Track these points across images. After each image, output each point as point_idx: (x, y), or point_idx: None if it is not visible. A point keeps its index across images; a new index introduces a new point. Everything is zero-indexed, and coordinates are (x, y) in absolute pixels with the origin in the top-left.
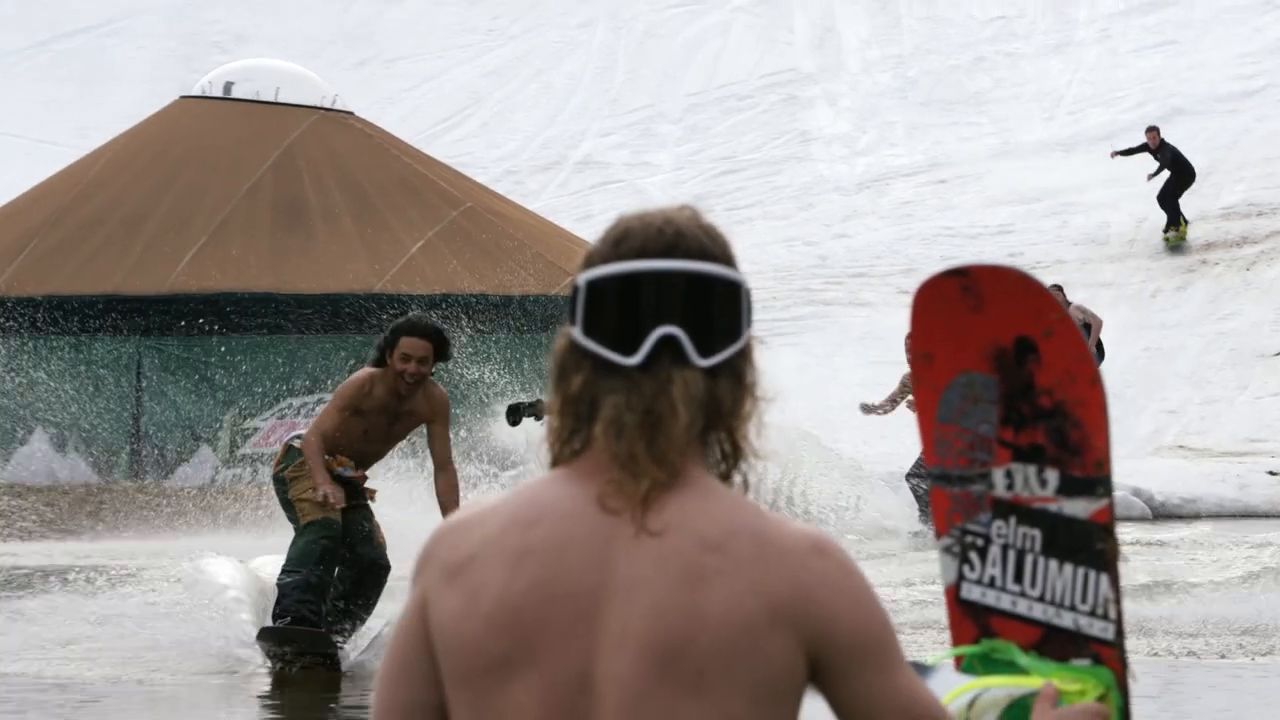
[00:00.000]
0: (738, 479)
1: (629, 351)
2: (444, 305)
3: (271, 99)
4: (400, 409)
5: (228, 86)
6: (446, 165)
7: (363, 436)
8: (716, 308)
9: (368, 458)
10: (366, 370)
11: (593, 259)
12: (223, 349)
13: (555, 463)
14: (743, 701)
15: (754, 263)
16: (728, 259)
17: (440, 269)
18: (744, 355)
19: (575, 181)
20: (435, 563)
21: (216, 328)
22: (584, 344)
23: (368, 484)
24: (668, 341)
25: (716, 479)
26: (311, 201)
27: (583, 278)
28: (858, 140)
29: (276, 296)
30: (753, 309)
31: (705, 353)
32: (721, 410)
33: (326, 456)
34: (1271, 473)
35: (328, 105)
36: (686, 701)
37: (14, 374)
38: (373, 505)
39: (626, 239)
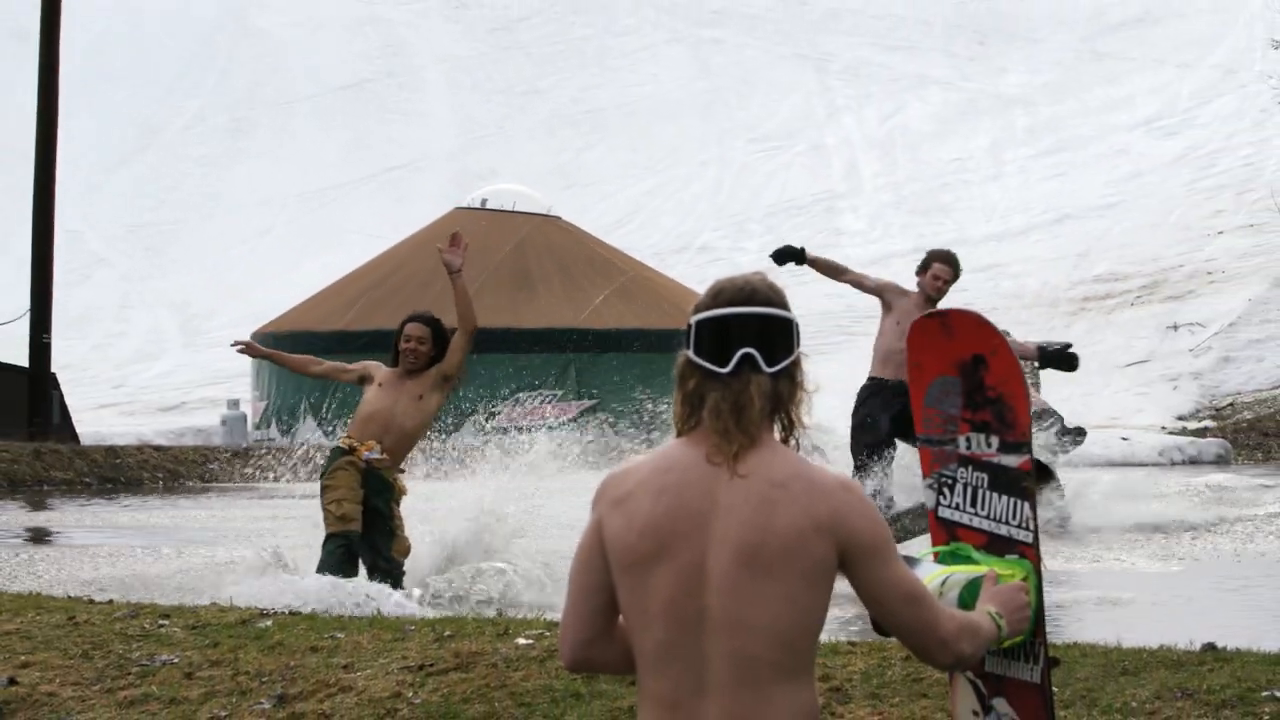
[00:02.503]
0: (793, 442)
1: (723, 365)
2: (616, 335)
3: (511, 209)
4: (411, 380)
5: (483, 201)
6: (618, 249)
7: (391, 409)
8: (777, 335)
9: (399, 433)
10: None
11: (700, 306)
12: (478, 361)
13: (680, 434)
14: (797, 583)
15: (807, 309)
16: (784, 305)
17: (613, 312)
18: (796, 364)
19: (697, 259)
20: (606, 497)
21: (475, 349)
22: (695, 360)
23: (401, 478)
24: (747, 357)
25: (780, 442)
26: (534, 271)
27: (694, 319)
28: (869, 234)
29: (513, 329)
30: (801, 336)
31: (771, 364)
32: (782, 399)
33: (355, 443)
34: (1124, 438)
35: (544, 212)
36: (763, 582)
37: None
38: (402, 506)
39: (721, 294)
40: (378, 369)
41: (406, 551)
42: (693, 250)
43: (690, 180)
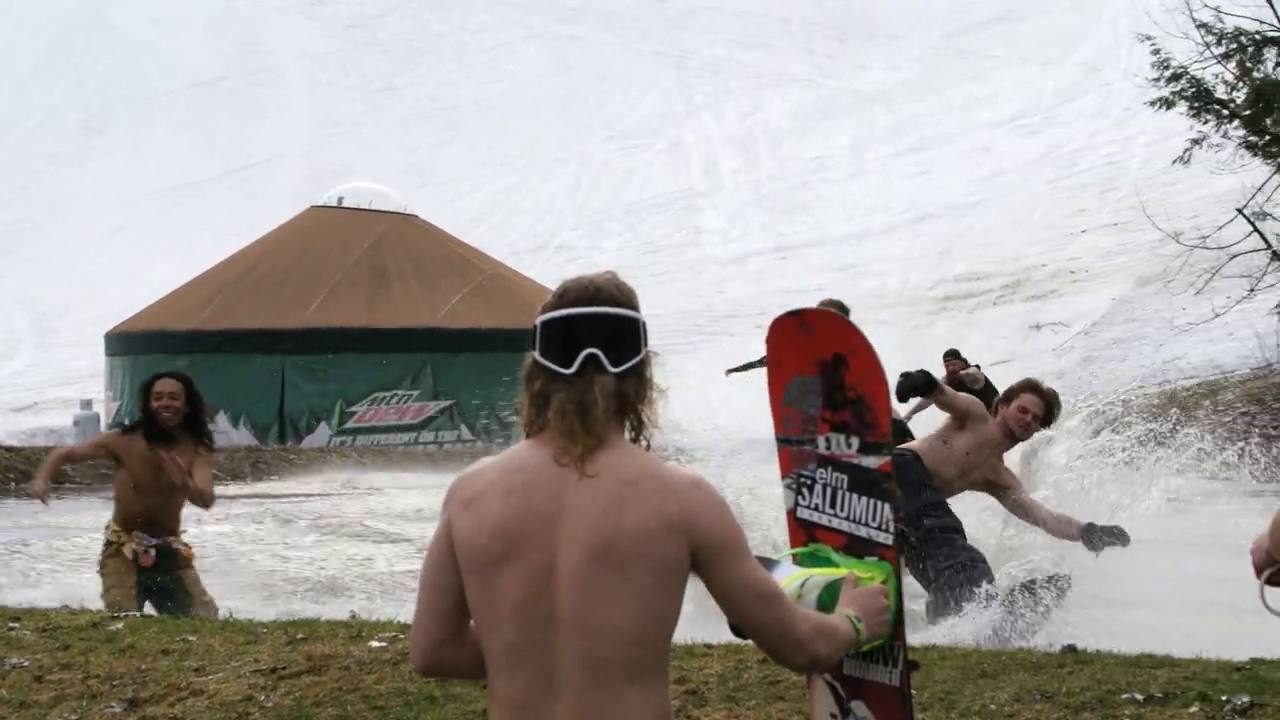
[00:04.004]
0: (643, 442)
1: (567, 365)
2: (472, 335)
3: (367, 207)
4: (160, 455)
5: (340, 199)
6: (475, 248)
7: (134, 492)
8: (624, 335)
9: (154, 516)
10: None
11: (546, 307)
12: (334, 361)
13: (528, 435)
14: (649, 582)
15: (666, 308)
16: (631, 304)
17: (470, 312)
18: (644, 364)
19: (555, 259)
20: (455, 498)
21: (331, 349)
22: (541, 361)
23: (182, 540)
24: (591, 357)
25: (630, 442)
26: (391, 270)
27: (539, 319)
28: (729, 232)
29: (368, 329)
30: (648, 335)
31: (616, 364)
32: (629, 399)
33: (122, 537)
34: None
35: (401, 210)
36: (614, 580)
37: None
38: (193, 568)
39: (566, 294)
40: (124, 445)
41: (211, 605)
42: (550, 249)
43: (548, 178)
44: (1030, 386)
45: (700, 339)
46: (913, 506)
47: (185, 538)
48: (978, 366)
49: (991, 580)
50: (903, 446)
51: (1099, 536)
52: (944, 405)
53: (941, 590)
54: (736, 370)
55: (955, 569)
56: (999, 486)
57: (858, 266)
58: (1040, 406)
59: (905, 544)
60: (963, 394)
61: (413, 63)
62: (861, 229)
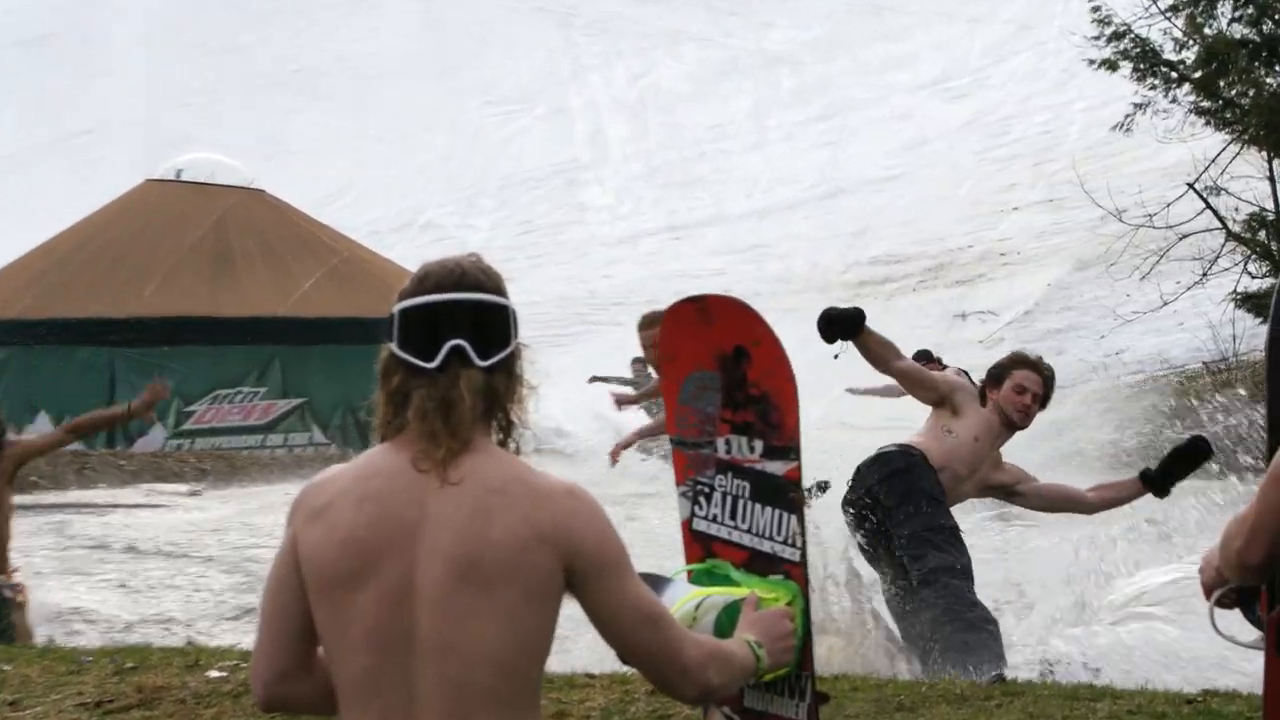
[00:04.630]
0: (512, 445)
1: (429, 358)
2: (327, 325)
3: (209, 180)
4: None
5: (179, 172)
6: (331, 228)
7: None
8: (492, 324)
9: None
10: None
11: (404, 293)
12: (170, 354)
13: (383, 438)
14: (517, 599)
15: (543, 294)
16: (500, 290)
17: (325, 298)
18: (514, 357)
19: (420, 238)
20: (301, 510)
21: (167, 340)
22: (399, 354)
23: (12, 581)
24: (456, 349)
25: (497, 445)
26: (236, 252)
27: (397, 307)
28: (617, 209)
29: (210, 318)
30: (519, 325)
31: (484, 357)
32: (498, 397)
33: None
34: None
35: (247, 185)
36: (479, 598)
37: (21, 373)
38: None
39: (427, 278)
40: None
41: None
42: (416, 228)
43: (414, 148)
44: (1022, 360)
45: (583, 329)
46: (918, 527)
47: (16, 574)
48: (964, 372)
49: (1002, 655)
50: (901, 443)
51: (1178, 462)
52: (896, 369)
53: (950, 652)
54: (601, 380)
55: (965, 628)
56: (1006, 486)
57: (761, 247)
58: (1039, 383)
59: (894, 573)
60: (934, 372)
61: (262, 19)
62: (765, 205)
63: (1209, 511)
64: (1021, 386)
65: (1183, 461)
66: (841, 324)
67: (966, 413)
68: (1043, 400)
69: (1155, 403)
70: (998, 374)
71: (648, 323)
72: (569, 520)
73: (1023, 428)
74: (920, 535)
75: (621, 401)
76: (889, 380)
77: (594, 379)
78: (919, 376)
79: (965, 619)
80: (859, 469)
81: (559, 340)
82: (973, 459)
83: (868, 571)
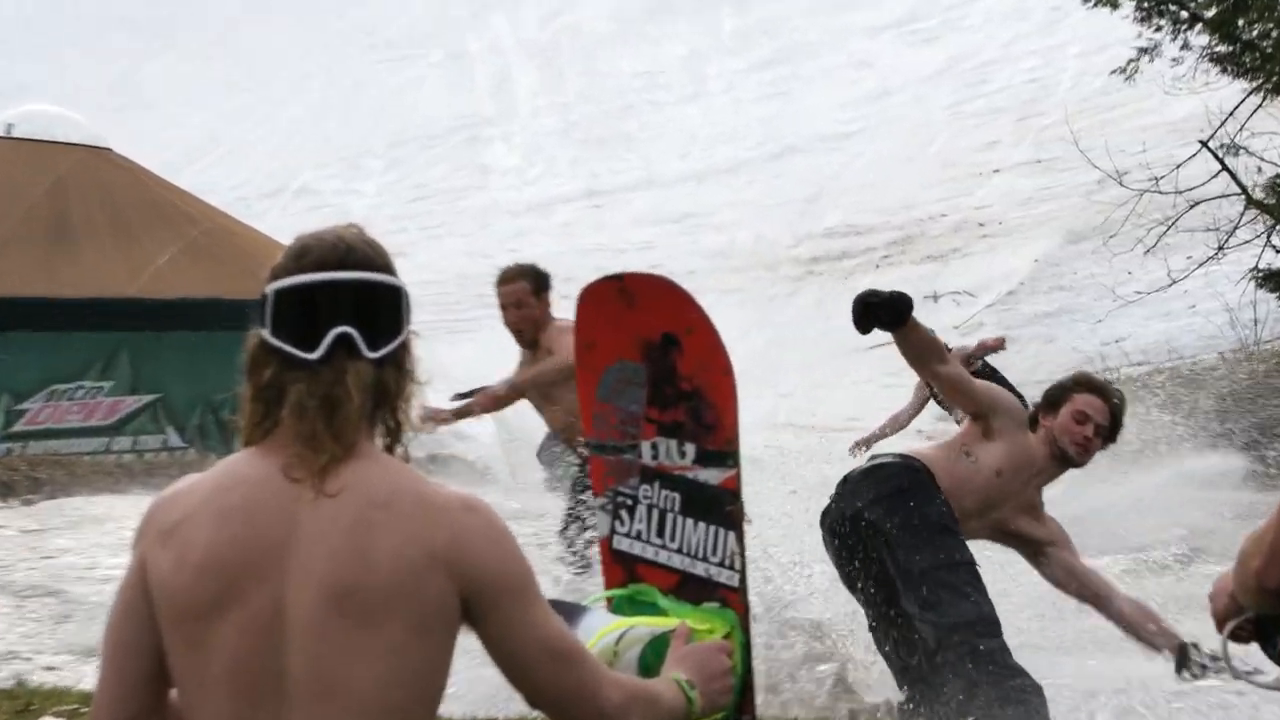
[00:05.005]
0: (399, 450)
1: (310, 348)
2: (185, 308)
3: (46, 137)
4: None
5: (9, 127)
6: (189, 193)
7: None
8: (381, 309)
9: None
10: None
11: (278, 271)
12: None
13: (248, 442)
14: (405, 634)
15: (441, 272)
16: (389, 268)
17: (182, 277)
18: (405, 348)
19: (294, 205)
20: (150, 528)
21: None
22: (273, 343)
23: None
24: (342, 338)
25: (383, 451)
26: (77, 221)
27: (270, 288)
28: (527, 172)
29: (45, 300)
30: (411, 309)
31: (374, 347)
32: (387, 394)
33: None
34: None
35: (92, 143)
36: (359, 632)
37: None
38: None
39: (306, 253)
40: None
41: None
42: (290, 194)
43: (287, 100)
44: (1086, 382)
45: (486, 313)
46: (927, 564)
47: None
48: (1012, 389)
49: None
50: (904, 452)
51: (1197, 661)
52: (941, 381)
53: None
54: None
55: (1003, 699)
56: (1032, 540)
57: (696, 217)
58: (1104, 412)
59: (891, 623)
60: (981, 380)
61: None
62: (702, 167)
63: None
64: (1082, 414)
65: (1216, 664)
66: (887, 309)
67: (999, 439)
68: (1107, 434)
69: (1162, 399)
70: (1055, 396)
71: (505, 278)
72: (466, 538)
73: (1079, 465)
74: (931, 576)
75: (436, 419)
76: (895, 411)
77: (458, 397)
78: (963, 385)
79: (1003, 689)
80: (847, 481)
81: (459, 326)
82: (986, 495)
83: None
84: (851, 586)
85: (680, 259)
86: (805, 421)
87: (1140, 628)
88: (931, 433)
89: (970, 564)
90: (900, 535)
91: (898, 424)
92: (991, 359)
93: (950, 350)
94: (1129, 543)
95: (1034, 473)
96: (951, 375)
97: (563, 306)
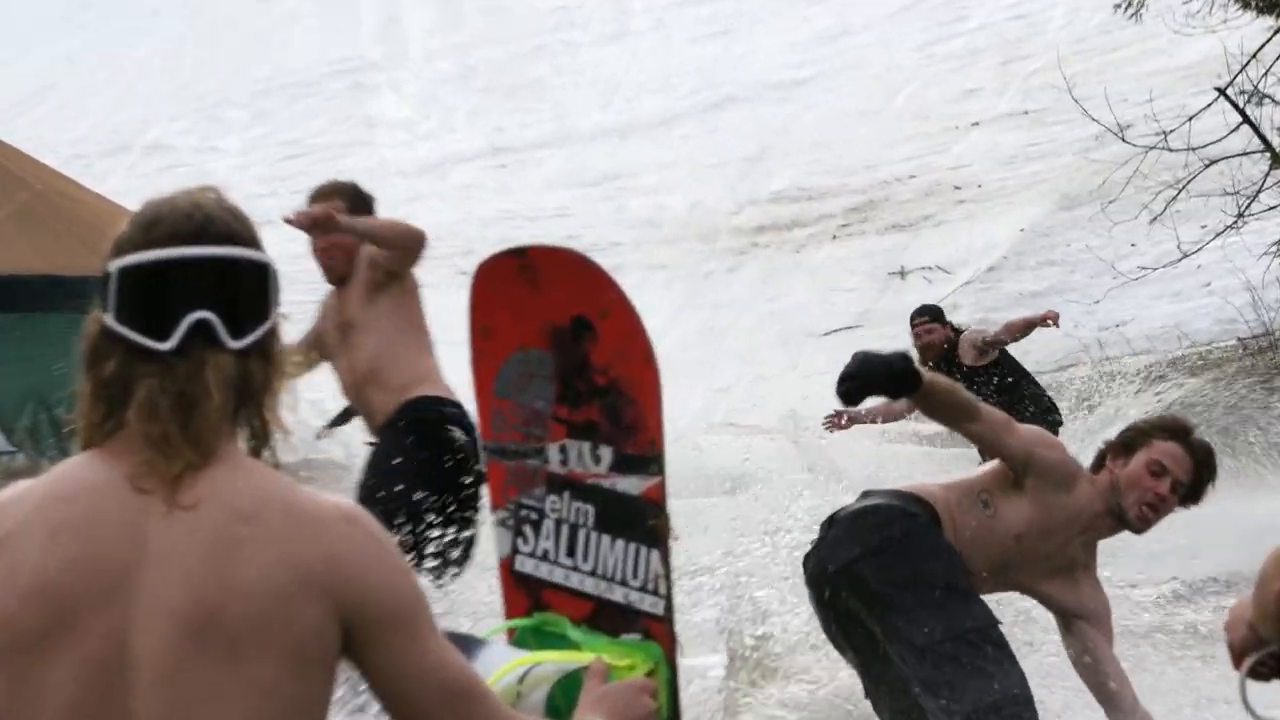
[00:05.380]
0: (266, 454)
1: (162, 336)
2: (9, 285)
3: None
4: None
5: None
6: (18, 150)
7: None
8: (245, 290)
9: None
10: None
11: (123, 245)
12: None
13: (87, 445)
14: (276, 670)
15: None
16: (254, 241)
17: (8, 249)
18: (273, 334)
19: (144, 165)
20: None
21: None
22: (117, 330)
23: None
24: (199, 325)
25: (247, 454)
26: None
27: (114, 264)
28: (420, 126)
29: None
30: (280, 289)
31: (237, 334)
32: (252, 389)
33: None
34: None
35: None
36: (221, 670)
37: None
38: None
39: (157, 224)
40: None
41: None
42: (137, 151)
43: (133, 41)
44: (1173, 428)
45: None
46: (937, 635)
47: None
48: (999, 352)
49: None
50: (904, 489)
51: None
52: (970, 434)
53: None
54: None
55: None
56: (1059, 607)
57: (621, 179)
58: (1188, 468)
59: (888, 690)
60: (1021, 425)
61: None
62: (627, 120)
63: None
64: (1159, 466)
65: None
66: (890, 381)
67: (1029, 496)
68: (1187, 493)
69: (1171, 394)
70: (1130, 440)
71: (317, 194)
72: (346, 556)
73: (1138, 531)
74: (940, 650)
75: (326, 428)
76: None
77: (327, 428)
78: (1000, 444)
79: None
80: (833, 524)
81: None
82: (1000, 558)
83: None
84: (841, 649)
85: (600, 229)
86: (748, 421)
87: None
88: (934, 435)
89: (989, 627)
90: (899, 599)
91: (893, 413)
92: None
93: (966, 332)
94: (1161, 570)
95: (1076, 531)
96: (987, 435)
97: (458, 284)
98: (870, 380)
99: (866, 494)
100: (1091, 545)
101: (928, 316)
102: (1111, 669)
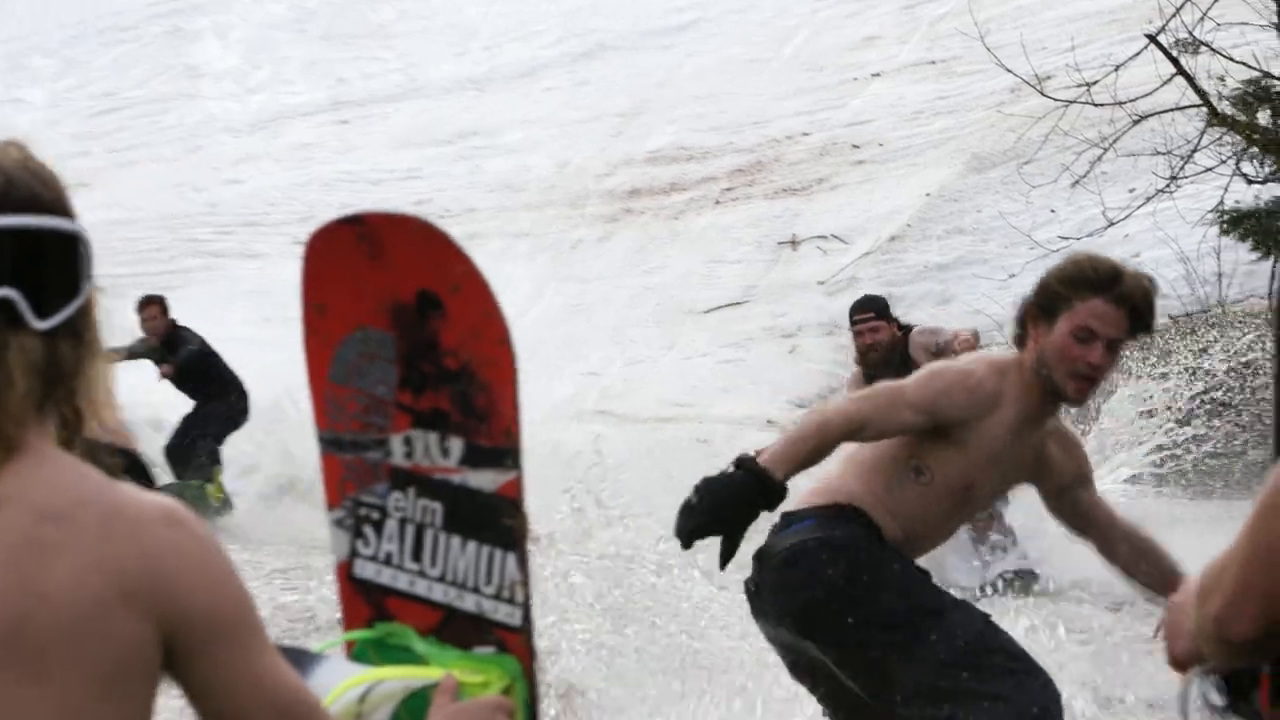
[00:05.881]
0: (79, 449)
1: None
2: None
3: None
4: None
5: None
6: None
7: None
8: (52, 264)
9: None
10: None
11: None
12: None
13: None
14: (87, 690)
15: (138, 209)
16: (62, 207)
17: None
18: (84, 313)
19: None
20: None
21: None
22: None
23: None
24: (1, 304)
25: (57, 446)
26: None
27: None
28: (251, 77)
29: None
30: (92, 261)
31: (42, 314)
32: (62, 374)
33: None
34: (700, 440)
35: None
36: (26, 689)
37: None
38: None
39: None
40: None
41: None
42: None
43: None
44: (1094, 280)
45: (199, 264)
46: (920, 680)
47: None
48: (964, 345)
49: None
50: (824, 503)
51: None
52: (870, 439)
53: None
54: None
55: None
56: (1044, 492)
57: (476, 137)
58: (1121, 323)
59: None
60: (907, 385)
61: None
62: (485, 71)
63: None
64: (1085, 331)
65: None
66: (746, 507)
67: (963, 437)
68: (1131, 337)
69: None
70: (1049, 303)
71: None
72: (168, 562)
73: (1077, 405)
74: (932, 691)
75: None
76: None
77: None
78: (900, 418)
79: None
80: (763, 565)
81: (163, 281)
82: (958, 507)
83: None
84: (807, 685)
85: (454, 192)
86: (621, 408)
87: (1134, 571)
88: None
89: (979, 636)
90: (870, 656)
91: None
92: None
93: (916, 330)
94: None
95: (1027, 432)
96: (884, 428)
97: (295, 255)
98: (719, 512)
99: (787, 518)
100: (1050, 431)
101: (872, 312)
102: (1125, 525)
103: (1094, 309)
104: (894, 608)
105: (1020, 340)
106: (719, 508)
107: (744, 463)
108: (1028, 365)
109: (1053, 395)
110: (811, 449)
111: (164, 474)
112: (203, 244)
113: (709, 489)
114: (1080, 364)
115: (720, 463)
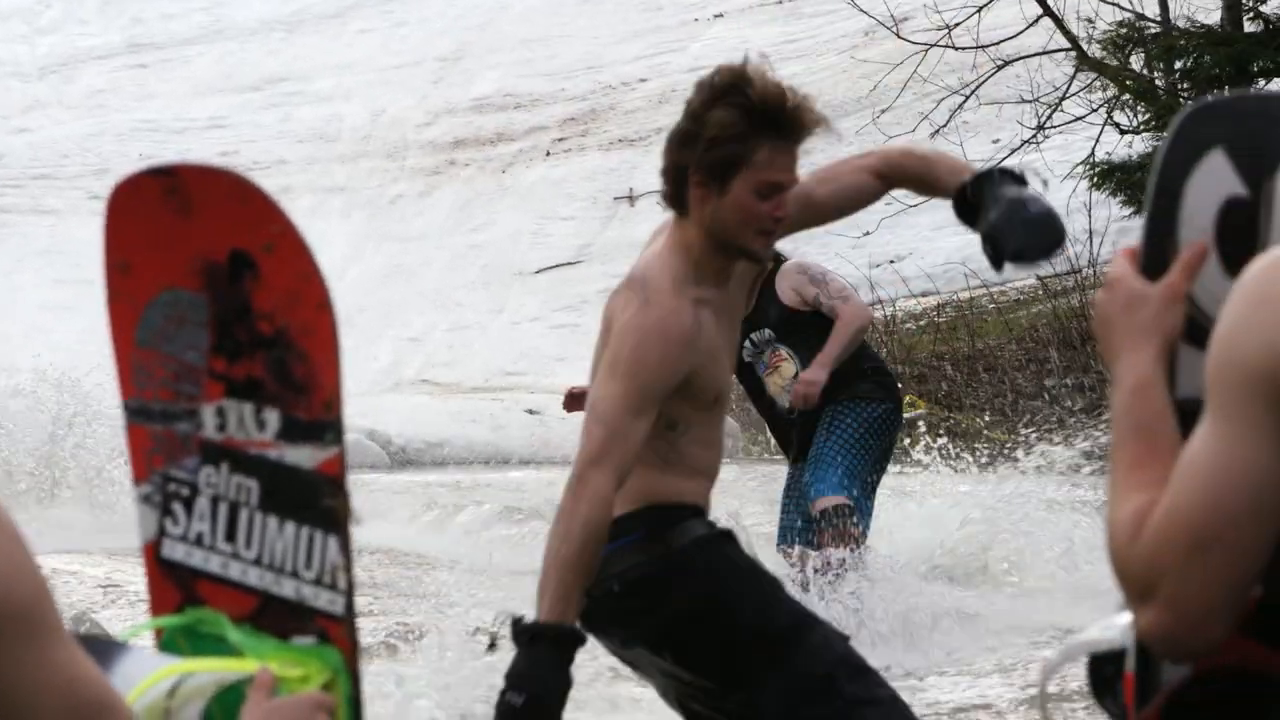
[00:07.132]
0: None
1: None
2: None
3: None
4: None
5: None
6: None
7: None
8: None
9: None
10: None
11: None
12: None
13: None
14: None
15: None
16: None
17: None
18: None
19: None
20: None
21: None
22: None
23: None
24: None
25: None
26: None
27: None
28: (39, 16)
29: None
30: None
31: None
32: None
33: None
34: (531, 411)
35: None
36: None
37: None
38: None
39: None
40: None
41: None
42: None
43: None
44: (766, 121)
45: None
46: (785, 696)
47: None
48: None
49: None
50: (634, 510)
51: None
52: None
53: None
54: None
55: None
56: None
57: (287, 83)
58: (797, 158)
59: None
60: (607, 382)
61: None
62: (294, 11)
63: None
64: (768, 186)
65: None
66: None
67: (686, 388)
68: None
69: (958, 344)
70: (720, 161)
71: None
72: None
73: (764, 259)
74: (795, 693)
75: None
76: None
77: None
78: (630, 439)
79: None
80: (590, 592)
81: None
82: (718, 424)
83: None
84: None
85: (262, 144)
86: (445, 378)
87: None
88: None
89: (836, 661)
90: (729, 677)
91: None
92: None
93: (788, 263)
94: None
95: (738, 296)
96: (622, 467)
97: (91, 210)
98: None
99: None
100: (752, 280)
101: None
102: (846, 168)
103: (773, 159)
104: (746, 627)
105: (678, 205)
106: (546, 695)
107: (536, 634)
108: (697, 242)
109: (736, 254)
110: (588, 564)
111: None
112: None
113: (524, 684)
114: (767, 221)
115: (552, 435)
